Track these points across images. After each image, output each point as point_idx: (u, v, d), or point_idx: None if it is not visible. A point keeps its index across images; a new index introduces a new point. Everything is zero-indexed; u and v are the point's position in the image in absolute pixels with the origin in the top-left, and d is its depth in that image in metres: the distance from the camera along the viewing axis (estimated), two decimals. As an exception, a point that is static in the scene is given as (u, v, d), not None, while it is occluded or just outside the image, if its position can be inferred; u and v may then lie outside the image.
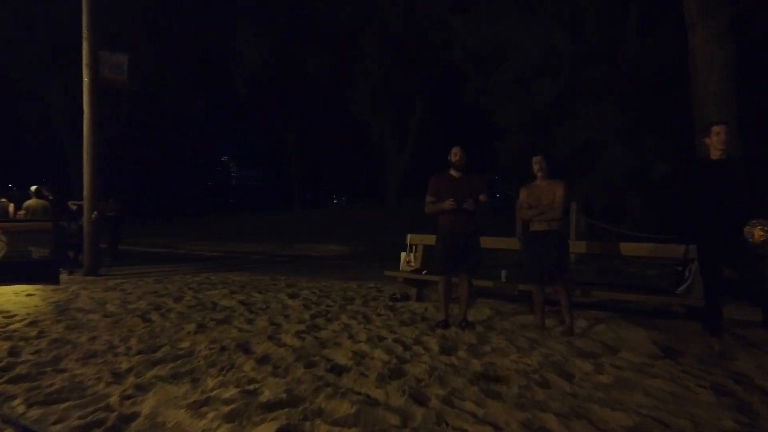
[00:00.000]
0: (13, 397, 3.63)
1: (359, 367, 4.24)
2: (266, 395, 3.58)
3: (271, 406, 3.38)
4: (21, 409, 3.41)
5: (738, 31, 11.21)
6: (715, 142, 4.84)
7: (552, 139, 13.75)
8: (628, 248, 6.01)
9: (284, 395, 3.56)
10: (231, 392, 3.65)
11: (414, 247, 7.76)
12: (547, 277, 5.53)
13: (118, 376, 4.08)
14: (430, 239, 7.55)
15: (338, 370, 4.18)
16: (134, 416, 3.31)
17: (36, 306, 7.11)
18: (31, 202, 10.76)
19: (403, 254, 7.77)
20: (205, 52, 34.55)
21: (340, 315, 6.44)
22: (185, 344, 4.99)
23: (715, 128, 4.86)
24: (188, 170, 50.23)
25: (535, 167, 5.68)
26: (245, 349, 4.82)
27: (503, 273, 6.62)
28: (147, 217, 32.58)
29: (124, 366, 4.33)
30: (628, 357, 4.63)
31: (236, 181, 67.78)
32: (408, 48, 27.03)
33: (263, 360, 4.45)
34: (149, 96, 31.07)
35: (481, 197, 5.81)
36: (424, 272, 7.30)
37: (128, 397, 3.60)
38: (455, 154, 5.93)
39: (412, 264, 7.65)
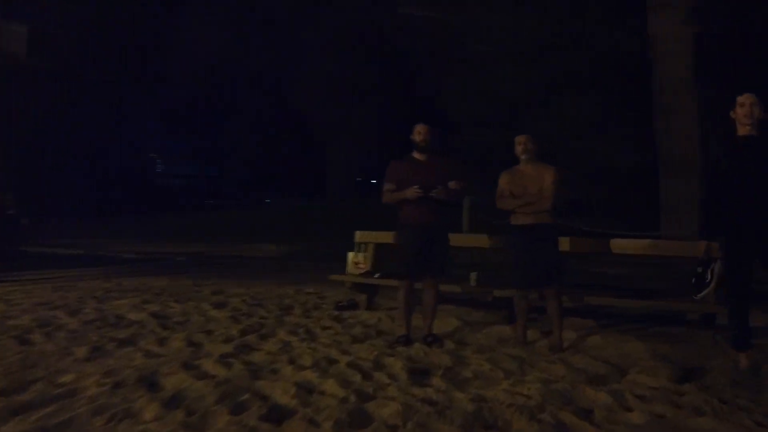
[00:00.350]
0: None
1: (306, 410, 3.09)
2: (170, 466, 2.39)
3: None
4: None
5: (701, 16, 10.72)
6: (740, 116, 3.97)
7: (515, 132, 12.90)
8: (619, 245, 5.11)
9: (197, 466, 2.38)
10: (116, 462, 2.45)
11: (363, 246, 6.64)
12: (536, 281, 4.54)
13: (-49, 437, 2.78)
14: (383, 237, 6.49)
15: (277, 415, 3.02)
16: None
17: None
18: None
19: (350, 254, 6.64)
20: (138, 38, 32.05)
21: (276, 329, 5.25)
22: (67, 378, 3.69)
23: (739, 99, 3.99)
24: (116, 166, 47.26)
25: (519, 149, 4.70)
26: (150, 383, 3.58)
27: (473, 275, 5.60)
28: (69, 216, 30.08)
29: (-32, 417, 3.02)
30: (643, 381, 3.69)
31: (169, 179, 64.51)
32: (358, 38, 25.64)
33: (173, 402, 3.23)
34: (77, 84, 28.49)
35: (451, 183, 4.77)
36: (377, 275, 6.20)
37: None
38: (419, 133, 4.86)
39: (362, 266, 6.53)
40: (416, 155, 4.91)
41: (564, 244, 5.11)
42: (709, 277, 4.11)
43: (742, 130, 3.98)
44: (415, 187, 4.61)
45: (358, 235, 6.65)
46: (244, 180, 42.22)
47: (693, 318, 4.60)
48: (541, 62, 13.89)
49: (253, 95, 32.72)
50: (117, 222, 29.06)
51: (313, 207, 28.78)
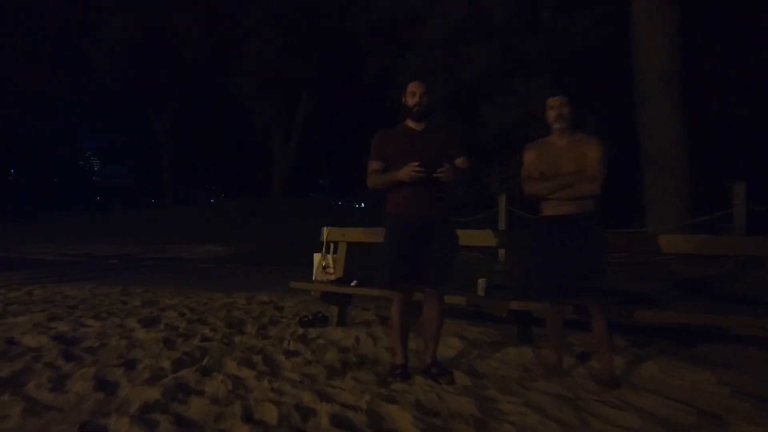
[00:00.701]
0: None
1: None
2: None
3: None
4: None
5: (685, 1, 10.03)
6: None
7: (476, 120, 11.82)
8: (670, 243, 3.99)
9: None
10: None
11: (333, 245, 5.35)
12: (576, 290, 3.37)
13: None
14: (357, 234, 5.25)
15: None
16: None
17: None
18: None
19: (316, 256, 5.32)
20: (61, 24, 29.56)
21: (224, 358, 3.91)
22: None
23: None
24: (43, 164, 44.26)
25: (552, 114, 3.50)
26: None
27: (480, 283, 4.38)
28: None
29: None
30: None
31: (101, 178, 61.26)
32: (299, 24, 24.10)
33: None
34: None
35: (459, 161, 3.56)
36: (354, 283, 4.92)
37: None
38: (413, 94, 3.58)
39: (331, 270, 5.24)
40: (410, 124, 3.65)
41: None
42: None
43: None
44: (414, 164, 3.36)
45: (326, 231, 5.35)
46: (185, 179, 40.02)
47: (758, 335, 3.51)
48: (507, 44, 12.94)
49: (193, 88, 30.74)
50: (48, 223, 26.77)
51: (258, 204, 27.19)
